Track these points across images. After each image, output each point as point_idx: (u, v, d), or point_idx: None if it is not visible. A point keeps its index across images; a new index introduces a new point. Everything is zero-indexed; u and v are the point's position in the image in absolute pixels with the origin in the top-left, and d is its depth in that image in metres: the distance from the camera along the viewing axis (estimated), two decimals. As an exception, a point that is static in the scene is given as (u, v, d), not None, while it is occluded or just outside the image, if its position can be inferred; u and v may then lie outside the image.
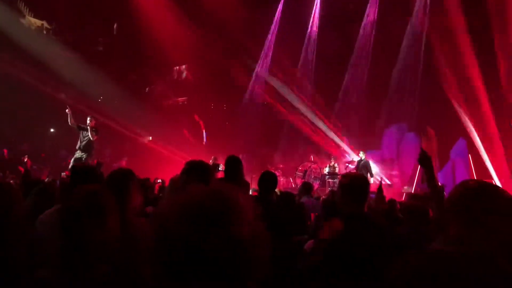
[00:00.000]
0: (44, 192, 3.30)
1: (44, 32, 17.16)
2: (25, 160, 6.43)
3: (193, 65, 18.93)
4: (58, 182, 4.94)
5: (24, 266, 1.77)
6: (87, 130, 10.24)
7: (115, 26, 19.01)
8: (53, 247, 1.74)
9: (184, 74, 20.23)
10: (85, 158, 10.13)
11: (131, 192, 2.40)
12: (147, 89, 21.03)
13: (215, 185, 1.07)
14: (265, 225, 1.06)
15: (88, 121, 10.32)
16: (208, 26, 17.09)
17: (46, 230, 2.35)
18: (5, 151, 13.36)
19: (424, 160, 2.65)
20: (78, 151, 10.31)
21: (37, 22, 17.55)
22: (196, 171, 2.72)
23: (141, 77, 20.02)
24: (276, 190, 4.86)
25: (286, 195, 4.66)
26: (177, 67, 20.55)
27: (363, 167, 12.66)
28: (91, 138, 10.25)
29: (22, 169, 5.99)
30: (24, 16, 16.39)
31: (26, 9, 16.38)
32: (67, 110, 10.14)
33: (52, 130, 18.28)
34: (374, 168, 14.40)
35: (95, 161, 8.21)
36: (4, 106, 14.89)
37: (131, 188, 2.41)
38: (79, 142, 10.41)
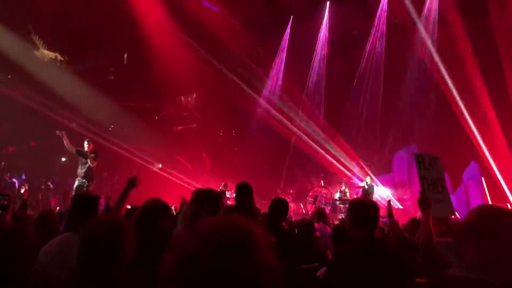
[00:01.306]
0: (44, 221, 3.31)
1: (58, 63, 17.61)
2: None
3: (202, 92, 19.19)
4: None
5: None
6: (86, 157, 9.59)
7: (125, 56, 19.44)
8: (62, 277, 1.74)
9: (193, 101, 20.46)
10: (86, 186, 9.59)
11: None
12: (156, 117, 21.30)
13: (230, 217, 1.09)
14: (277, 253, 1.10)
15: (85, 146, 9.62)
16: (216, 54, 17.42)
17: (53, 261, 2.33)
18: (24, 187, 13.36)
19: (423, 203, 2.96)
20: (78, 178, 9.71)
21: (50, 54, 18.05)
22: (205, 199, 2.72)
23: (151, 105, 20.33)
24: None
25: (306, 225, 4.67)
26: (186, 95, 20.83)
27: (367, 193, 12.63)
28: (91, 165, 9.61)
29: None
30: (38, 49, 16.86)
31: (40, 41, 16.87)
32: (59, 133, 9.42)
33: (63, 159, 18.48)
34: (386, 192, 14.24)
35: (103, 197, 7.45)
36: (18, 133, 15.23)
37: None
38: (79, 169, 9.77)
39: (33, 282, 1.92)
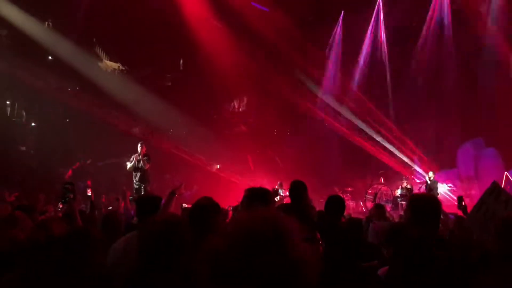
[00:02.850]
0: (107, 222, 3.54)
1: (118, 73, 18.61)
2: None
3: (256, 92, 19.35)
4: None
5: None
6: (139, 161, 9.83)
7: (181, 61, 20.11)
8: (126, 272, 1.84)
9: (246, 102, 20.69)
10: (143, 188, 9.86)
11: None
12: (213, 118, 21.81)
13: (261, 211, 1.08)
14: (331, 250, 1.07)
15: (139, 148, 9.86)
16: (268, 53, 17.48)
17: (119, 258, 2.49)
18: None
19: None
20: (135, 182, 9.98)
21: (113, 64, 19.13)
22: (256, 197, 2.76)
23: (207, 108, 20.85)
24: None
25: (354, 222, 4.53)
26: (241, 96, 21.11)
27: (430, 189, 11.99)
28: (144, 167, 9.85)
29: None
30: (101, 60, 17.94)
31: (103, 53, 17.92)
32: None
33: (128, 163, 19.47)
34: (445, 189, 13.53)
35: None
36: (86, 139, 16.32)
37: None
38: (134, 172, 10.03)
39: (100, 278, 2.05)
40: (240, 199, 5.71)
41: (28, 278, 2.12)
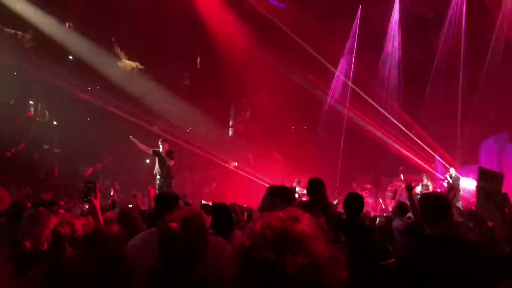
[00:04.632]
0: (123, 219, 3.60)
1: (137, 72, 18.85)
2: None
3: (274, 88, 19.33)
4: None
5: None
6: (162, 157, 9.79)
7: (198, 60, 20.23)
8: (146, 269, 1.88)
9: (264, 99, 20.69)
10: (167, 184, 9.84)
11: None
12: (230, 117, 21.89)
13: (288, 210, 1.09)
14: (351, 249, 1.07)
15: (160, 146, 9.80)
16: (286, 49, 17.42)
17: (136, 255, 2.53)
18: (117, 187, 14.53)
19: None
20: (158, 178, 9.94)
21: (132, 64, 19.38)
22: (278, 195, 2.78)
23: (225, 105, 20.95)
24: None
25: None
26: (258, 92, 21.12)
27: (452, 186, 11.74)
28: (168, 163, 9.78)
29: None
30: (120, 59, 18.20)
31: (122, 52, 18.18)
32: (132, 139, 9.89)
33: (148, 161, 19.75)
34: (473, 184, 13.21)
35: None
36: (106, 138, 16.63)
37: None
38: (156, 168, 9.98)
39: (121, 275, 2.09)
40: (258, 196, 5.75)
41: (53, 274, 2.18)
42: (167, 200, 3.13)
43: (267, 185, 3.40)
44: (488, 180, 4.26)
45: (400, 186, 14.71)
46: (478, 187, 4.34)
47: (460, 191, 11.91)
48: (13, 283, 2.42)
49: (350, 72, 18.64)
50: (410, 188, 4.69)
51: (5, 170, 12.25)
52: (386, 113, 17.03)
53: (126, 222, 3.53)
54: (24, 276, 2.21)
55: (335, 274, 1.00)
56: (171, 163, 9.88)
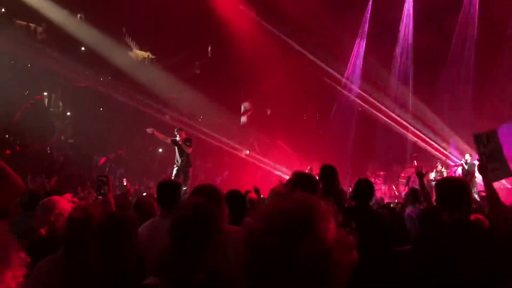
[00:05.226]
0: (140, 206, 3.64)
1: (148, 62, 18.91)
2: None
3: (284, 77, 19.24)
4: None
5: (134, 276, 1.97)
6: (180, 146, 9.82)
7: (209, 48, 20.18)
8: (156, 256, 1.89)
9: (275, 87, 20.63)
10: (185, 172, 9.91)
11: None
12: (242, 105, 21.86)
13: (293, 195, 1.08)
14: (362, 234, 1.05)
15: (177, 136, 9.83)
16: (297, 37, 17.26)
17: (143, 244, 2.56)
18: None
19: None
20: (176, 165, 10.00)
21: (143, 54, 19.45)
22: (303, 182, 2.76)
23: (236, 94, 20.92)
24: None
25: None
26: (268, 81, 21.04)
27: (468, 172, 11.51)
28: (187, 151, 9.84)
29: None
30: (131, 49, 18.27)
31: (133, 43, 18.24)
32: (149, 131, 9.87)
33: (160, 150, 19.92)
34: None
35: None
36: (119, 127, 16.80)
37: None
38: (177, 156, 10.04)
39: (133, 264, 2.12)
40: (269, 183, 5.75)
41: (68, 260, 2.22)
42: (169, 189, 3.12)
43: (279, 173, 3.38)
44: (485, 143, 4.33)
45: (413, 172, 14.56)
46: (479, 154, 4.34)
47: (476, 177, 11.71)
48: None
49: (362, 58, 18.40)
50: (421, 175, 4.57)
51: (21, 160, 12.48)
52: (399, 100, 16.82)
53: (142, 209, 3.56)
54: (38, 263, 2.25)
55: (344, 258, 0.99)
56: (189, 150, 9.90)
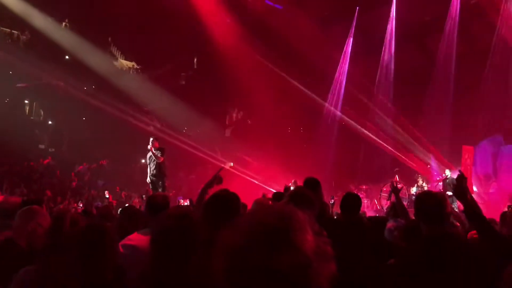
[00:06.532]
0: (126, 214, 3.58)
1: (133, 72, 18.82)
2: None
3: (269, 90, 19.38)
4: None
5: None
6: (151, 154, 9.63)
7: (195, 60, 20.22)
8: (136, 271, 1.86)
9: (260, 100, 20.74)
10: (160, 182, 9.76)
11: None
12: (226, 117, 21.87)
13: (271, 206, 1.08)
14: (356, 248, 1.04)
15: (150, 143, 9.65)
16: (282, 51, 17.44)
17: (127, 255, 2.51)
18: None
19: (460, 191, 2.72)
20: (150, 177, 9.81)
21: (128, 63, 19.34)
22: (301, 198, 2.76)
23: (221, 106, 20.93)
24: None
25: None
26: (254, 94, 21.15)
27: (448, 186, 11.76)
28: (158, 160, 9.61)
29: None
30: (116, 59, 18.16)
31: (118, 52, 18.14)
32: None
33: (143, 160, 19.71)
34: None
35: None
36: (101, 137, 16.55)
37: None
38: (149, 167, 9.86)
39: (113, 275, 2.08)
40: (254, 197, 5.73)
41: (45, 272, 2.16)
42: (158, 202, 3.08)
43: (264, 186, 3.37)
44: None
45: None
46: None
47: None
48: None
49: (346, 76, 18.69)
50: (396, 190, 4.64)
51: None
52: (382, 115, 17.09)
53: (129, 219, 3.50)
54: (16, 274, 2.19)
55: (324, 269, 0.99)
56: (161, 159, 9.69)
